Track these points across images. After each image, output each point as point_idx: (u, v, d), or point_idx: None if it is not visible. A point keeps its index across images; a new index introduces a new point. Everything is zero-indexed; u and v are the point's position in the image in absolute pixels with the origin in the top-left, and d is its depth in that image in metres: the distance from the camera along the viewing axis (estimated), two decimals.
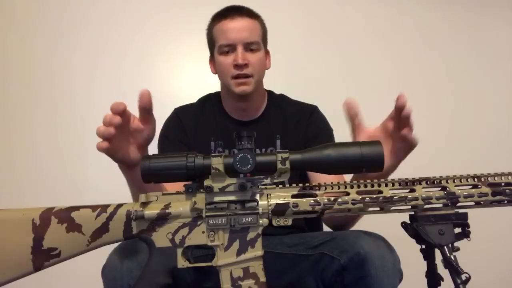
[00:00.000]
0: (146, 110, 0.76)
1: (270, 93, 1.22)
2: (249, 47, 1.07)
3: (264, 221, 0.64)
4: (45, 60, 1.72)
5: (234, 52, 1.06)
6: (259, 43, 1.09)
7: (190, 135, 1.13)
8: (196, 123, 1.14)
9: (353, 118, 0.80)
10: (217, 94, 1.20)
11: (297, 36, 1.81)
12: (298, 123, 1.14)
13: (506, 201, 0.64)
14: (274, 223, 0.65)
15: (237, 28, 1.06)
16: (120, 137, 0.74)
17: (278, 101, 1.19)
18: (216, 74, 1.15)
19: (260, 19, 1.12)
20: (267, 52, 1.16)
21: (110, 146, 0.72)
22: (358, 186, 0.65)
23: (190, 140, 1.12)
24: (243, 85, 1.06)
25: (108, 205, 0.67)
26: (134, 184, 0.82)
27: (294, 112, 1.16)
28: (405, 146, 0.77)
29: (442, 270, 0.65)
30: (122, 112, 0.72)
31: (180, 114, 1.16)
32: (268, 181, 0.65)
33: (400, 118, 0.75)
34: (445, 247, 0.62)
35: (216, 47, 1.09)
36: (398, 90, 0.74)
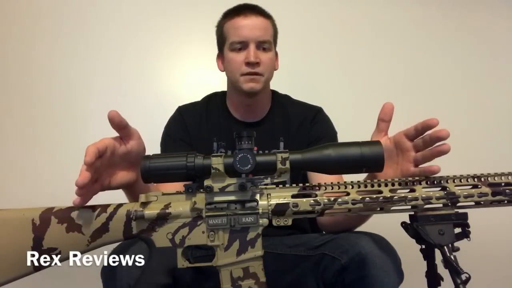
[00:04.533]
0: (122, 127, 0.71)
1: (274, 93, 1.20)
2: (261, 46, 1.05)
3: (264, 221, 0.64)
4: (45, 60, 1.72)
5: (246, 50, 1.04)
6: (271, 43, 1.08)
7: (192, 134, 1.12)
8: (199, 123, 1.13)
9: (382, 122, 0.77)
10: (222, 93, 1.19)
11: (302, 37, 1.80)
12: (301, 124, 1.13)
13: (506, 201, 0.64)
14: (274, 223, 0.65)
15: (250, 25, 1.04)
16: (108, 170, 0.71)
17: (282, 102, 1.18)
18: (223, 71, 1.13)
19: (272, 20, 1.11)
20: (276, 54, 1.15)
21: (99, 186, 0.69)
22: (358, 186, 0.65)
23: (192, 139, 1.11)
24: (253, 82, 1.04)
25: (108, 205, 0.67)
26: (135, 197, 0.78)
27: (298, 113, 1.15)
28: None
29: (442, 270, 0.65)
30: (101, 155, 0.67)
31: (183, 113, 1.15)
32: (268, 181, 0.65)
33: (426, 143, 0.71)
34: (445, 247, 0.62)
35: (227, 43, 1.07)
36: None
